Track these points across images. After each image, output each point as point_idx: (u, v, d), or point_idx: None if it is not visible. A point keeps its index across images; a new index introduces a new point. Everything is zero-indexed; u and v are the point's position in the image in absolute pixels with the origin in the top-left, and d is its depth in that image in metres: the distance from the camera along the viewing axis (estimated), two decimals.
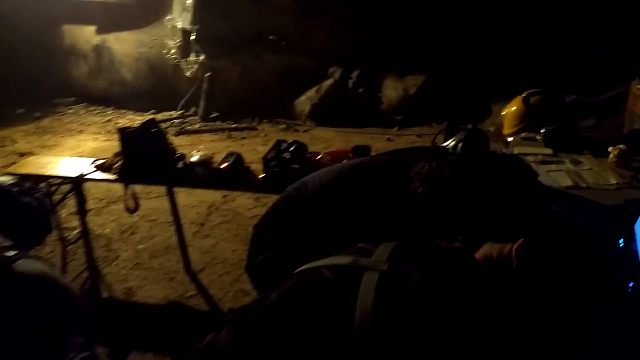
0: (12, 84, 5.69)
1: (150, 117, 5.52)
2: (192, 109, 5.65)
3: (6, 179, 2.81)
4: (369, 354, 0.81)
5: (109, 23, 5.88)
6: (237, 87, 5.58)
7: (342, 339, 0.82)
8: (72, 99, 5.99)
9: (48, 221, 2.78)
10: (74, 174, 2.69)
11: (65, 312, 2.00)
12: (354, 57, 5.42)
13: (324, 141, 4.76)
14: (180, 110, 5.66)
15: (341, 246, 1.04)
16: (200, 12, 5.48)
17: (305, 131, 5.21)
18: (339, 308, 0.86)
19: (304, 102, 5.42)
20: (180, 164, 2.68)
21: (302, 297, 0.93)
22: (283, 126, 5.34)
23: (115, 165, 2.69)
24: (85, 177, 2.68)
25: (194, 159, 2.71)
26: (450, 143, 1.95)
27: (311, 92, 5.41)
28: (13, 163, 3.84)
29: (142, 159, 2.62)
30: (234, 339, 0.91)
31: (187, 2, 5.46)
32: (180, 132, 5.07)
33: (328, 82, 5.42)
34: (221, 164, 2.66)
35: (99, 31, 5.94)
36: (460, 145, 1.87)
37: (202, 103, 5.54)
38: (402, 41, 5.22)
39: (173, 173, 2.62)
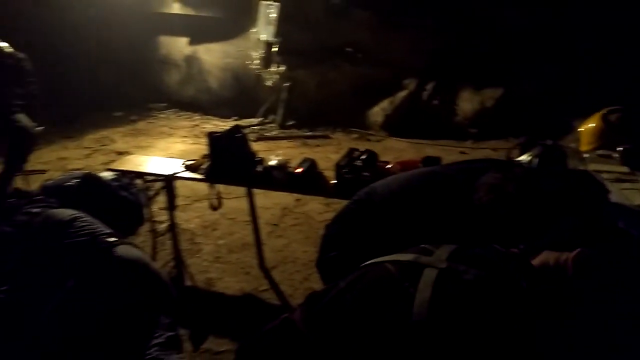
0: (112, 89, 6.32)
1: (234, 123, 5.91)
2: (271, 117, 5.95)
3: (108, 175, 3.19)
4: (423, 342, 0.90)
5: (200, 35, 6.36)
6: (314, 96, 5.80)
7: (401, 325, 0.93)
8: (164, 104, 6.54)
9: (142, 214, 3.11)
10: (166, 172, 2.99)
11: (155, 294, 2.26)
12: (429, 69, 5.46)
13: (396, 151, 4.82)
14: (260, 117, 5.98)
15: (405, 247, 1.14)
16: (283, 25, 5.77)
17: (377, 141, 5.31)
18: (400, 298, 0.96)
19: (378, 112, 5.52)
20: (259, 168, 2.90)
21: (368, 287, 1.04)
22: (356, 135, 5.48)
23: (203, 166, 2.95)
24: (176, 175, 2.97)
25: (272, 163, 2.91)
26: (525, 158, 1.96)
27: (385, 103, 5.51)
28: (112, 161, 4.28)
29: (227, 162, 2.87)
30: (305, 318, 1.04)
31: (271, 16, 5.78)
32: (259, 138, 5.36)
33: (402, 94, 5.49)
34: (296, 169, 2.83)
35: (191, 42, 6.44)
36: (535, 160, 1.89)
37: (280, 111, 5.82)
38: (480, 54, 5.18)
39: (252, 175, 2.84)
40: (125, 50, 6.55)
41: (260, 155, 2.96)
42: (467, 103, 5.35)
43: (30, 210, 2.85)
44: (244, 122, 5.92)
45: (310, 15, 5.80)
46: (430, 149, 4.77)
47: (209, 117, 6.11)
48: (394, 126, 5.40)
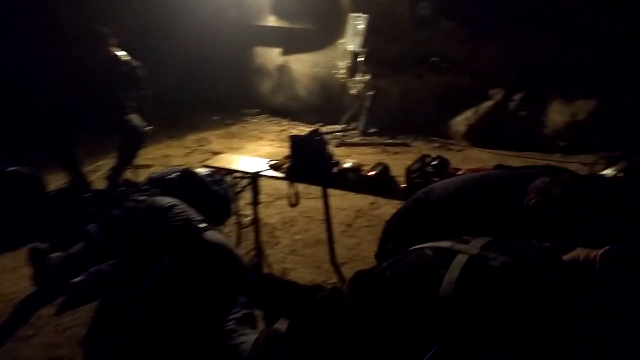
0: (212, 96, 6.91)
1: (315, 129, 6.18)
2: (354, 124, 6.15)
3: (203, 171, 3.59)
4: (447, 316, 1.03)
5: (292, 46, 6.75)
6: (397, 105, 5.91)
7: (429, 300, 1.06)
8: (257, 110, 7.01)
9: (230, 207, 3.46)
10: (252, 170, 3.30)
11: (235, 275, 2.54)
12: (517, 79, 5.34)
13: (477, 162, 4.77)
14: (343, 124, 6.20)
15: None
16: (370, 36, 5.95)
17: (458, 151, 5.29)
18: (431, 277, 1.10)
19: (461, 122, 5.50)
20: (335, 169, 3.10)
21: (405, 267, 1.19)
22: (437, 144, 5.50)
23: (284, 166, 3.22)
24: (261, 173, 3.27)
25: (347, 165, 3.10)
26: (608, 172, 1.93)
27: (469, 113, 5.47)
28: (208, 159, 4.71)
29: (305, 162, 3.10)
30: (350, 289, 1.21)
31: (359, 27, 5.99)
32: (341, 144, 5.58)
33: (487, 104, 5.42)
34: (369, 172, 3.00)
35: (283, 53, 6.86)
36: (619, 175, 1.85)
37: (362, 119, 6.00)
38: (572, 65, 4.98)
39: (328, 176, 3.04)
40: (225, 60, 7.13)
41: (337, 158, 3.18)
42: (557, 115, 5.15)
43: (137, 198, 3.32)
44: (327, 128, 6.18)
45: (397, 26, 5.93)
46: (513, 160, 4.66)
47: (296, 122, 6.45)
48: (477, 136, 5.35)
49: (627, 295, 1.07)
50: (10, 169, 3.76)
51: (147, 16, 6.40)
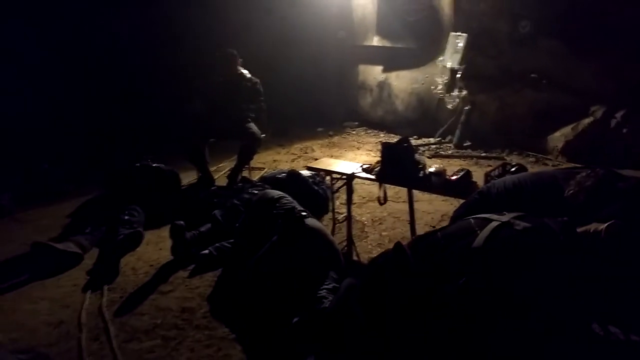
0: (318, 109, 7.58)
1: (404, 137, 6.53)
2: (449, 137, 6.41)
3: (306, 173, 4.19)
4: (477, 260, 1.41)
5: (393, 64, 7.20)
6: (493, 120, 6.07)
7: (465, 249, 1.45)
8: (357, 123, 7.56)
9: (327, 205, 4.01)
10: (347, 171, 3.80)
11: (329, 254, 3.04)
12: (620, 96, 5.25)
13: None
14: (438, 137, 6.49)
15: None
16: (469, 53, 6.21)
17: (554, 166, 5.32)
18: (469, 235, 1.49)
19: (558, 138, 5.52)
20: (421, 173, 3.49)
21: (452, 230, 1.58)
22: (532, 159, 5.57)
23: (375, 169, 3.68)
24: (355, 175, 3.75)
25: (431, 170, 3.48)
26: None
27: (567, 129, 5.48)
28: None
29: (394, 165, 3.53)
30: (411, 245, 1.63)
31: (459, 45, 6.27)
32: (434, 155, 5.88)
33: (587, 120, 5.39)
34: (452, 176, 3.34)
35: (384, 70, 7.33)
36: None
37: (458, 132, 6.24)
38: None
39: (414, 179, 3.43)
40: (332, 77, 7.79)
41: (423, 163, 3.55)
42: None
43: (252, 191, 3.99)
44: (422, 140, 6.52)
45: (497, 44, 6.11)
46: None
47: (392, 135, 6.86)
48: (574, 152, 5.34)
49: (625, 261, 1.37)
50: (155, 165, 4.67)
51: (268, 39, 7.27)
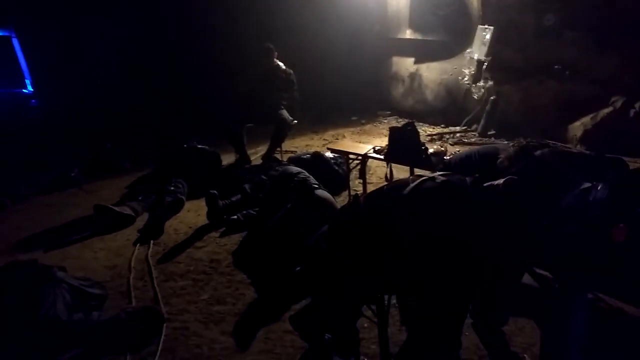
0: (352, 98, 8.03)
1: (440, 129, 6.89)
2: (474, 126, 6.68)
3: (329, 154, 4.71)
4: (404, 207, 1.85)
5: (424, 55, 7.52)
6: (516, 110, 6.29)
7: (397, 197, 1.89)
8: (389, 112, 7.95)
9: (345, 182, 4.48)
10: (361, 152, 4.28)
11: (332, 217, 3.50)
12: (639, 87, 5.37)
13: None
14: (464, 126, 6.78)
15: None
16: (495, 45, 6.45)
17: None
18: (404, 187, 1.93)
19: (578, 127, 5.70)
20: (423, 155, 3.92)
21: (394, 183, 2.04)
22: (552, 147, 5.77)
23: (384, 151, 4.14)
24: (368, 155, 4.23)
25: (431, 151, 3.90)
26: None
27: (586, 119, 5.64)
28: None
29: (399, 147, 3.97)
30: (366, 196, 2.10)
31: (486, 37, 6.52)
32: (457, 142, 6.20)
33: (606, 110, 5.53)
34: (448, 157, 3.75)
35: (416, 62, 7.67)
36: None
37: (482, 122, 6.51)
38: None
39: (417, 159, 3.87)
40: (366, 68, 8.21)
41: (425, 146, 3.97)
42: None
43: (277, 168, 4.55)
44: (449, 129, 6.83)
45: (522, 36, 6.32)
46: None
47: (421, 123, 7.19)
48: (593, 141, 5.50)
49: (518, 210, 1.79)
50: (200, 146, 5.33)
51: (305, 32, 7.80)
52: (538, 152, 2.08)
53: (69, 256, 3.65)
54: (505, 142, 5.89)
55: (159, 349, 2.55)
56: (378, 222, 1.91)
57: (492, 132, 6.43)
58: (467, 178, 1.90)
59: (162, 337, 2.64)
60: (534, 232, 1.83)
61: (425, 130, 6.85)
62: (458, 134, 6.57)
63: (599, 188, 1.91)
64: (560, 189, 1.96)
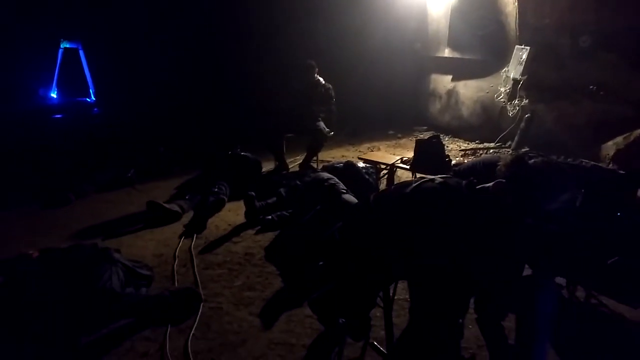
0: (391, 113, 8.33)
1: (474, 145, 7.06)
2: (509, 143, 6.81)
3: (361, 164, 5.04)
4: (405, 205, 2.14)
5: (461, 73, 7.74)
6: (550, 128, 6.39)
7: (400, 196, 2.19)
8: (425, 127, 8.18)
9: (375, 190, 4.77)
10: (389, 162, 4.58)
11: None
12: None
13: None
14: (498, 142, 6.92)
15: None
16: (531, 65, 6.60)
17: None
18: (407, 186, 2.22)
19: (610, 146, 5.75)
20: (447, 166, 4.17)
21: (400, 183, 2.33)
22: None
23: (410, 161, 4.42)
24: (395, 164, 4.52)
25: (453, 162, 4.14)
26: None
27: (619, 138, 5.69)
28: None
29: (425, 158, 4.25)
30: (375, 196, 2.41)
31: (522, 57, 6.68)
32: None
33: (639, 131, 5.57)
34: None
35: (453, 79, 7.89)
36: None
37: (516, 138, 6.64)
38: None
39: (441, 169, 4.12)
40: (406, 84, 8.51)
41: (450, 157, 4.23)
42: None
43: (310, 175, 4.90)
44: (483, 145, 6.99)
45: (558, 57, 6.44)
46: None
47: (456, 139, 7.39)
48: (624, 160, 5.54)
49: (505, 211, 2.05)
50: (243, 153, 5.78)
51: (348, 52, 8.20)
52: (531, 161, 2.31)
53: (123, 245, 4.12)
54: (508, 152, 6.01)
55: (196, 323, 2.93)
56: (384, 215, 2.22)
57: (526, 149, 6.53)
58: (463, 181, 2.17)
59: (199, 314, 3.02)
60: (519, 229, 2.07)
61: (459, 146, 7.04)
62: (492, 150, 6.72)
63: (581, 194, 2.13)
64: (547, 194, 2.19)
